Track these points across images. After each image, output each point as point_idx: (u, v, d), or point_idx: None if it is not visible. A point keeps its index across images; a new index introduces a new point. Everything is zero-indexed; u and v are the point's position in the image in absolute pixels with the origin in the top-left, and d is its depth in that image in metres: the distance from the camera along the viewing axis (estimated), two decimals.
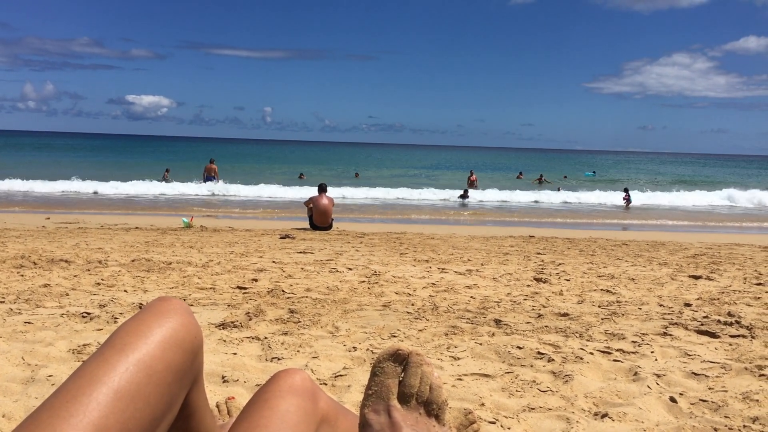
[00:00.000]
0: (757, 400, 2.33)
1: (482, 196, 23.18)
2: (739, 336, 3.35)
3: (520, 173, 39.65)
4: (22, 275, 4.91)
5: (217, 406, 1.89)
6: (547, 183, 33.13)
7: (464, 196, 22.48)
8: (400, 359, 1.20)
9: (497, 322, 3.60)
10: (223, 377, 2.53)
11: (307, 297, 4.29)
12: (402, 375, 1.19)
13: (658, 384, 2.54)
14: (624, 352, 3.02)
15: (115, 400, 0.92)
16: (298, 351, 2.96)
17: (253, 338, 3.16)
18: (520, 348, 3.02)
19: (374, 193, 22.79)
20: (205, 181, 23.93)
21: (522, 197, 23.07)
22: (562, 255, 7.40)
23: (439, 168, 50.95)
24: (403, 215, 16.88)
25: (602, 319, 3.76)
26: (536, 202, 22.28)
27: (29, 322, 3.36)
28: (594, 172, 47.03)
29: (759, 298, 4.56)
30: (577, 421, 2.13)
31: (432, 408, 1.18)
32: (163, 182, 24.55)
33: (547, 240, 9.71)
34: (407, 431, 1.11)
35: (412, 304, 4.11)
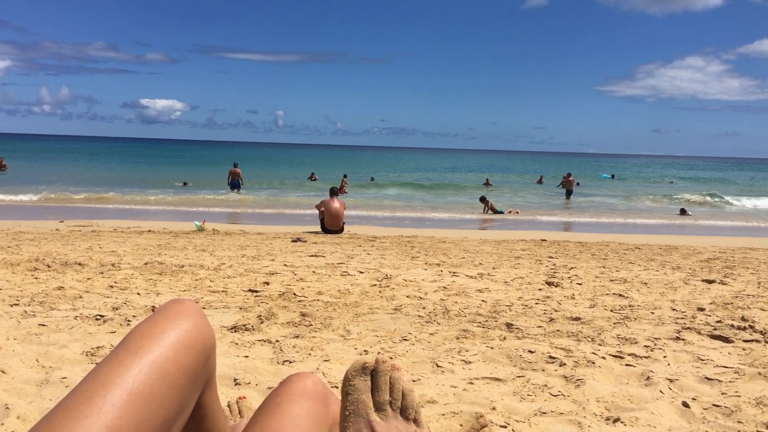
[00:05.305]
0: None
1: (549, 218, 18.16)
2: (752, 341, 3.32)
3: (540, 177, 38.61)
4: (36, 278, 4.95)
5: (229, 406, 1.90)
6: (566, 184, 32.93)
7: (484, 206, 18.99)
8: (368, 371, 1.20)
9: (509, 325, 3.59)
10: (235, 380, 2.55)
11: (318, 300, 4.30)
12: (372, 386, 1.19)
13: (670, 389, 2.52)
14: (636, 356, 3.01)
15: (128, 401, 0.93)
16: (309, 354, 2.96)
17: (264, 341, 3.17)
18: (531, 352, 3.01)
19: (402, 212, 18.82)
20: (230, 185, 24.77)
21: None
22: (574, 259, 7.37)
23: (460, 172, 50.14)
24: (413, 217, 16.88)
25: (614, 323, 3.74)
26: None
27: (43, 325, 3.39)
28: (612, 176, 46.45)
29: None
30: (589, 426, 2.12)
31: (408, 413, 1.19)
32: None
33: (559, 244, 9.67)
34: None
35: (424, 308, 4.11)
